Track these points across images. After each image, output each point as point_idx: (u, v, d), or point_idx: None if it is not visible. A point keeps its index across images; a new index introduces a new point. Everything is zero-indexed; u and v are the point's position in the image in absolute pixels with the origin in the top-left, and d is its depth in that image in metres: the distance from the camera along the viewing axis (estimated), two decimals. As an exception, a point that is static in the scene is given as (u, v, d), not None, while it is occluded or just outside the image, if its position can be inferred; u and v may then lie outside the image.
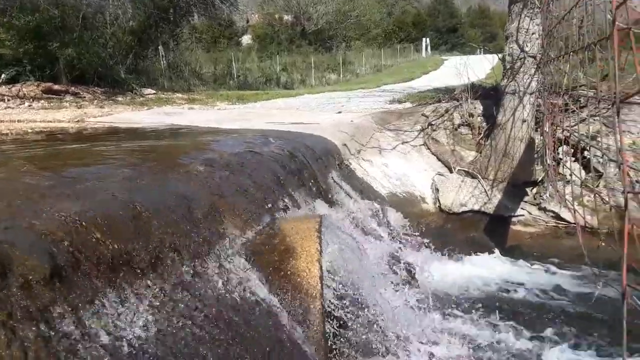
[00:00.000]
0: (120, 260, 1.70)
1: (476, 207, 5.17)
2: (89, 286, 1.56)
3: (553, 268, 4.14)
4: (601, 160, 4.71)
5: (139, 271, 1.73)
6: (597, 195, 4.02)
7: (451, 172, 5.53)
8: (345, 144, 5.11)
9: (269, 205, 2.81)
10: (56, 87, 9.53)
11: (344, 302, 2.56)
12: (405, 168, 5.58)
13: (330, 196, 3.92)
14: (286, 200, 3.07)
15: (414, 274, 3.68)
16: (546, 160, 4.70)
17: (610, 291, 3.49)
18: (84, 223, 1.71)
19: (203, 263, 2.03)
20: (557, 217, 5.02)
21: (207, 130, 5.05)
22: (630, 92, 1.06)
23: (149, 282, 1.73)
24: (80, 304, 1.50)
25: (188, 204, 2.25)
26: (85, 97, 9.57)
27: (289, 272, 2.39)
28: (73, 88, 9.70)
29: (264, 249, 2.43)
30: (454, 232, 5.00)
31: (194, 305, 1.80)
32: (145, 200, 2.07)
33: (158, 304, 1.67)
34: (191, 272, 1.93)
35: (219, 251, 2.18)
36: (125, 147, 3.86)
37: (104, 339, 1.49)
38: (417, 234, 4.47)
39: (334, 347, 2.43)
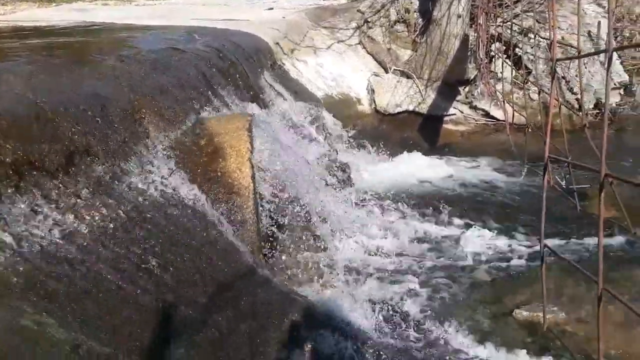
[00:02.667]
0: (25, 163, 1.54)
1: (411, 108, 5.20)
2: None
3: (481, 163, 4.31)
4: (532, 57, 4.78)
5: (48, 174, 1.58)
6: (526, 91, 4.13)
7: (387, 72, 5.45)
8: (277, 43, 4.85)
9: (195, 105, 2.64)
10: (-54, -19, 8.26)
11: (278, 200, 2.55)
12: (341, 68, 5.43)
13: (262, 97, 3.76)
14: (214, 100, 2.91)
15: (349, 173, 3.71)
16: (479, 56, 4.71)
17: (535, 183, 3.70)
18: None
19: (123, 165, 1.90)
20: (487, 115, 5.16)
21: (124, 27, 4.60)
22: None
23: (60, 185, 1.59)
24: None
25: (102, 103, 2.05)
26: (-18, -7, 8.40)
27: (219, 173, 2.31)
28: (-33, -17, 8.46)
29: (191, 150, 2.31)
30: (389, 133, 5.04)
31: (114, 208, 1.69)
32: (51, 99, 1.86)
33: (70, 207, 1.56)
34: (109, 174, 1.80)
35: (140, 152, 2.04)
36: (31, 45, 3.45)
37: (14, 244, 1.38)
38: (352, 134, 4.48)
39: (269, 244, 2.44)
